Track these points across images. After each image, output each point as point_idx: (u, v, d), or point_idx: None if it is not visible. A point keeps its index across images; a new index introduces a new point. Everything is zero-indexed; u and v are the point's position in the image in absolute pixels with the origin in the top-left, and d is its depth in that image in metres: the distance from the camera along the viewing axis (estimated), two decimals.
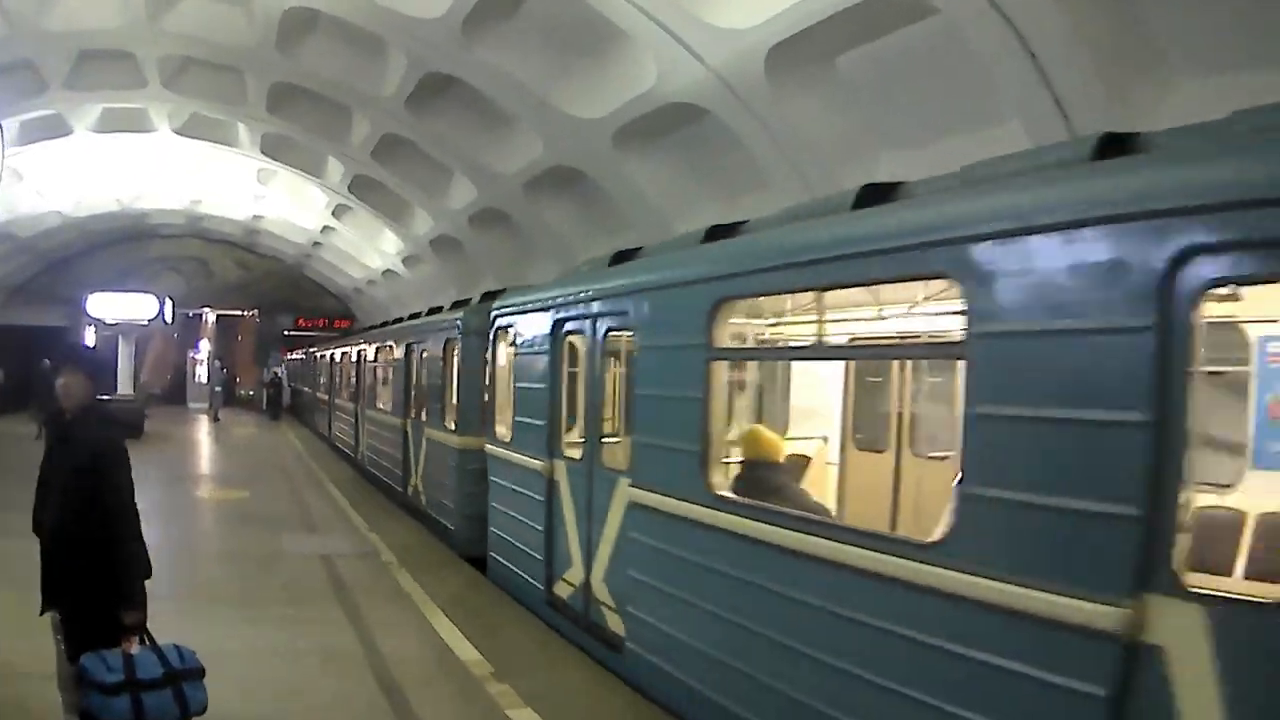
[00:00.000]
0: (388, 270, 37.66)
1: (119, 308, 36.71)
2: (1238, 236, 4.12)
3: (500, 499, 13.37)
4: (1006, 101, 9.89)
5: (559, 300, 11.31)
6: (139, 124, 26.96)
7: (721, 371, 8.06)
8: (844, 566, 6.16)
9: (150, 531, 6.74)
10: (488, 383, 15.09)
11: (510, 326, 13.15)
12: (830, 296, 8.29)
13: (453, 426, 16.67)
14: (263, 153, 28.11)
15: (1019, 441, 4.97)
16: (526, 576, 12.15)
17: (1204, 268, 4.22)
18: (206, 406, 48.58)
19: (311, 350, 44.71)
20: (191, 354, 55.90)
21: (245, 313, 55.78)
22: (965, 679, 5.14)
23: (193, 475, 25.83)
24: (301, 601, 12.66)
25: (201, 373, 55.30)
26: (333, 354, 35.35)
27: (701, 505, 7.76)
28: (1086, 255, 4.64)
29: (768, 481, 8.10)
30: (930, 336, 8.94)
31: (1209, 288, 4.24)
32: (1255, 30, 7.62)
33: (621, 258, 11.24)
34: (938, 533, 5.57)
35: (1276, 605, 4.23)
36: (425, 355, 19.38)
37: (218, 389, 47.45)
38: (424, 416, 19.08)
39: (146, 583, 6.74)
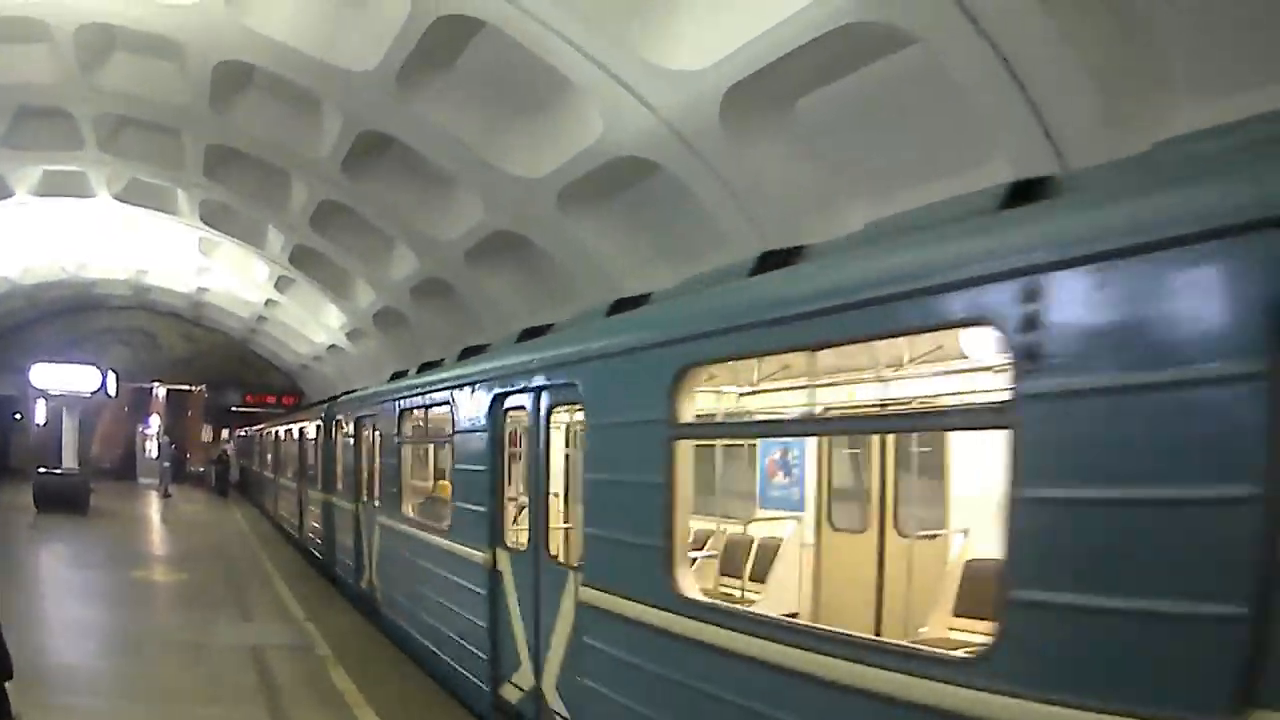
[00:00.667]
0: (332, 345, 36.30)
1: (62, 379, 35.13)
2: None
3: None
4: (992, 138, 8.74)
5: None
6: (79, 188, 25.79)
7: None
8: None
9: (74, 615, 5.96)
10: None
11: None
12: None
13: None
14: (203, 221, 26.75)
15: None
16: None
17: None
18: (156, 482, 46.69)
19: (257, 427, 43.47)
20: (141, 429, 54.25)
21: (193, 388, 54.33)
22: None
23: (131, 554, 24.01)
24: (222, 700, 11.25)
25: (151, 448, 53.84)
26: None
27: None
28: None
29: None
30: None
31: None
32: (1260, 47, 6.70)
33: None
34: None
35: None
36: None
37: (167, 465, 45.50)
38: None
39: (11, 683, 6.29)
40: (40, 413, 43.41)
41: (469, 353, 11.47)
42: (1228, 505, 3.40)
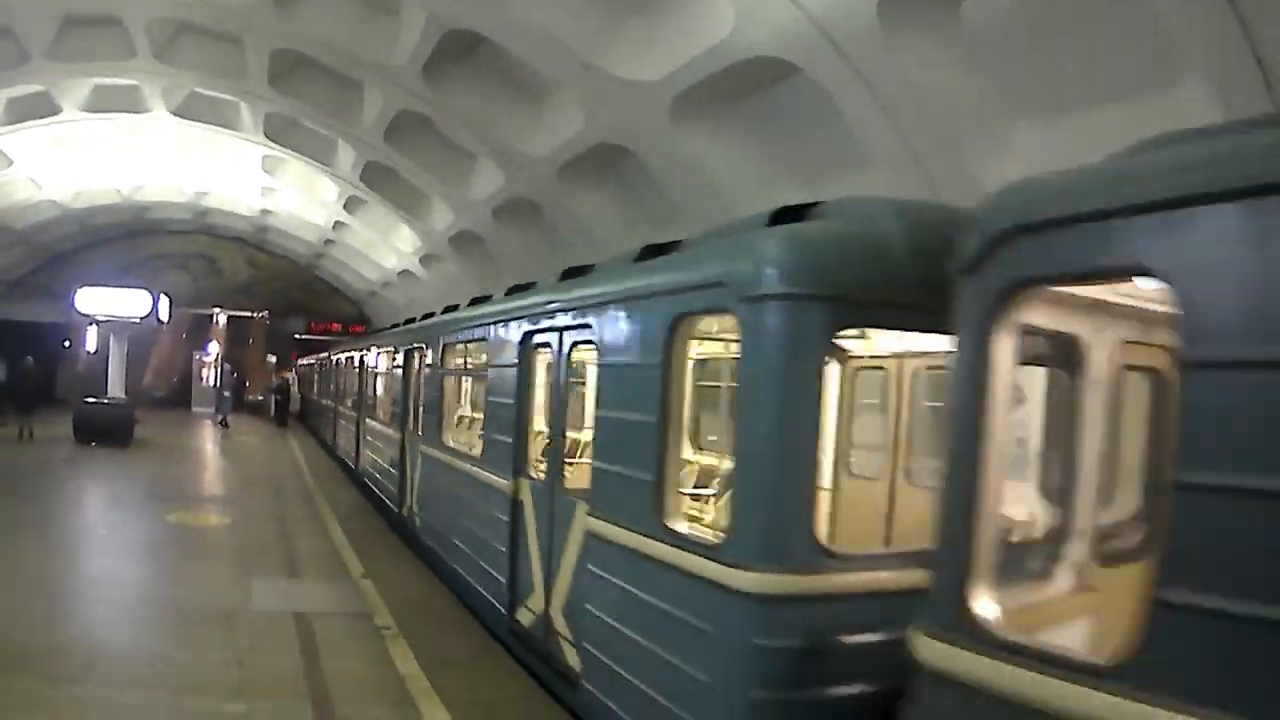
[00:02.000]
0: (404, 270, 35.59)
1: (109, 303, 33.45)
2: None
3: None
4: (1185, 57, 7.62)
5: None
6: (132, 103, 25.02)
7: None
8: None
9: (90, 572, 4.51)
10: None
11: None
12: None
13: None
14: (268, 137, 25.86)
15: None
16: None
17: None
18: (212, 411, 46.22)
19: (319, 356, 42.59)
20: (198, 356, 53.43)
21: (256, 314, 53.57)
22: None
23: (171, 493, 21.51)
24: (253, 692, 9.08)
25: (208, 375, 52.82)
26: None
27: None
28: None
29: None
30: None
31: None
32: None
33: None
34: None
35: None
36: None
37: (226, 393, 44.64)
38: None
39: None
40: (91, 340, 42.52)
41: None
42: None
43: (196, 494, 22.29)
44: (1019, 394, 5.19)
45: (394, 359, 20.07)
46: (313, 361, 45.95)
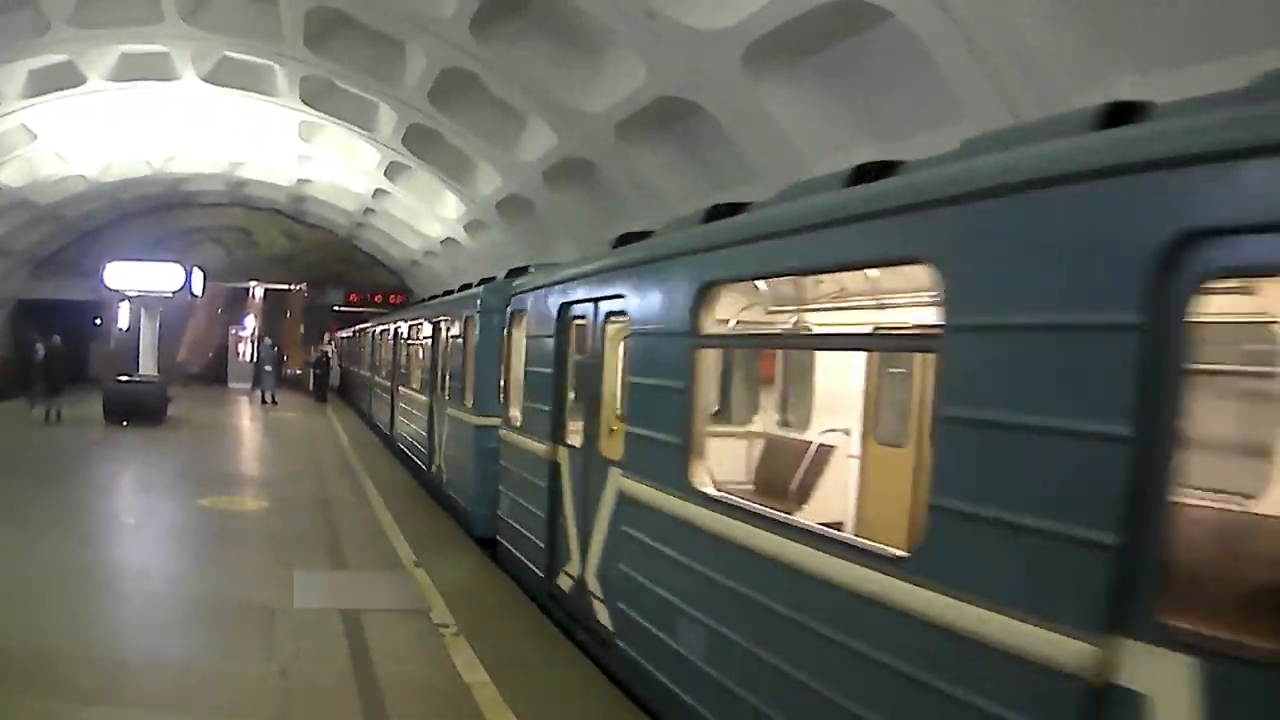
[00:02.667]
0: (447, 239, 34.93)
1: (140, 278, 32.61)
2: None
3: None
4: None
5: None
6: (162, 70, 24.39)
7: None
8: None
9: (113, 563, 3.93)
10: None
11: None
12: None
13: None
14: (304, 101, 25.12)
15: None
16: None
17: None
18: (249, 387, 46.18)
19: (360, 327, 42.36)
20: (235, 330, 53.49)
21: (293, 287, 53.40)
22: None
23: (205, 474, 20.83)
24: (301, 708, 8.28)
25: (245, 350, 53.22)
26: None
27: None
28: None
29: None
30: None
31: None
32: None
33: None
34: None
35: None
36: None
37: (268, 369, 43.53)
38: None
39: None
40: (123, 317, 41.81)
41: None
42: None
43: (232, 475, 21.64)
44: None
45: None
46: (351, 334, 45.70)
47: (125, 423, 28.82)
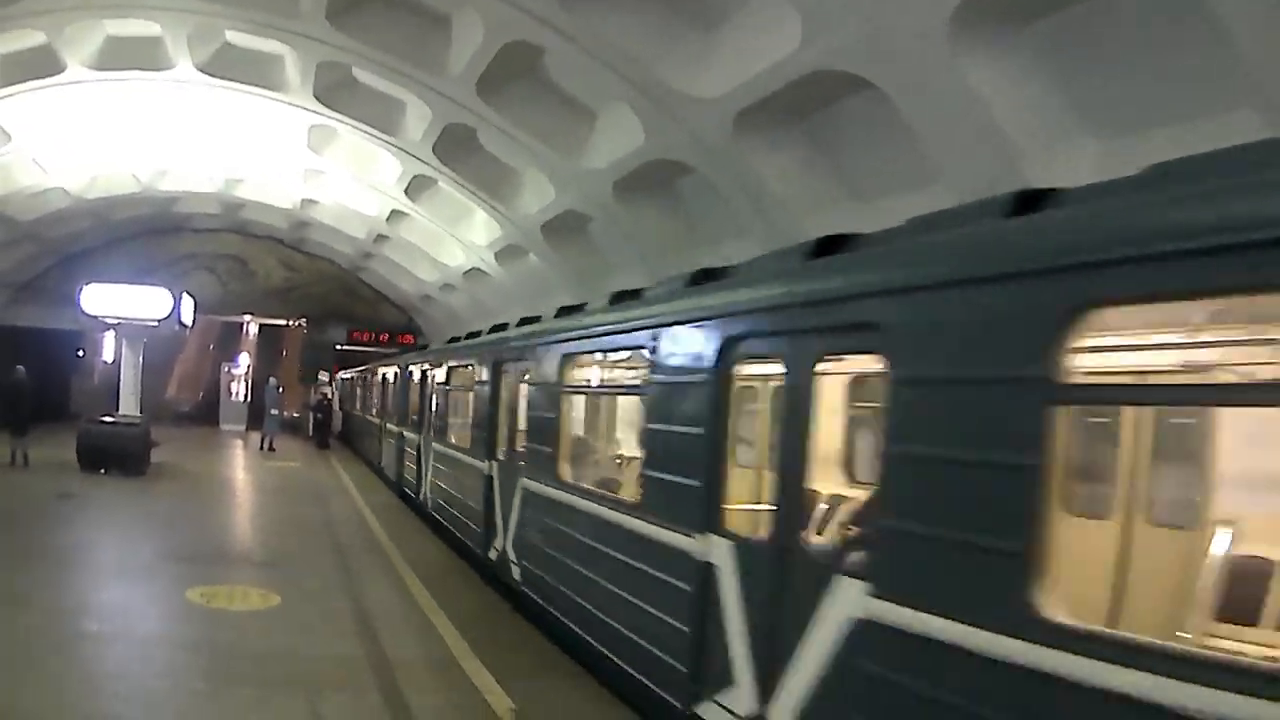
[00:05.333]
0: (471, 269, 31.50)
1: (121, 303, 29.08)
2: None
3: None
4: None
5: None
6: (152, 59, 21.10)
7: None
8: None
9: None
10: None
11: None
12: None
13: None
14: (319, 99, 21.53)
15: None
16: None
17: None
18: (243, 429, 44.10)
19: (372, 367, 38.71)
20: (228, 367, 50.68)
21: (291, 323, 50.39)
22: None
23: (194, 549, 16.45)
24: None
25: (236, 389, 50.28)
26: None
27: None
28: None
29: None
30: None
31: None
32: None
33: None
34: None
35: None
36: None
37: (273, 412, 39.60)
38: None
39: None
40: (109, 348, 38.70)
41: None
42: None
43: (229, 550, 17.11)
44: None
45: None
46: (359, 374, 42.41)
47: (103, 470, 24.86)
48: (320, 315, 49.56)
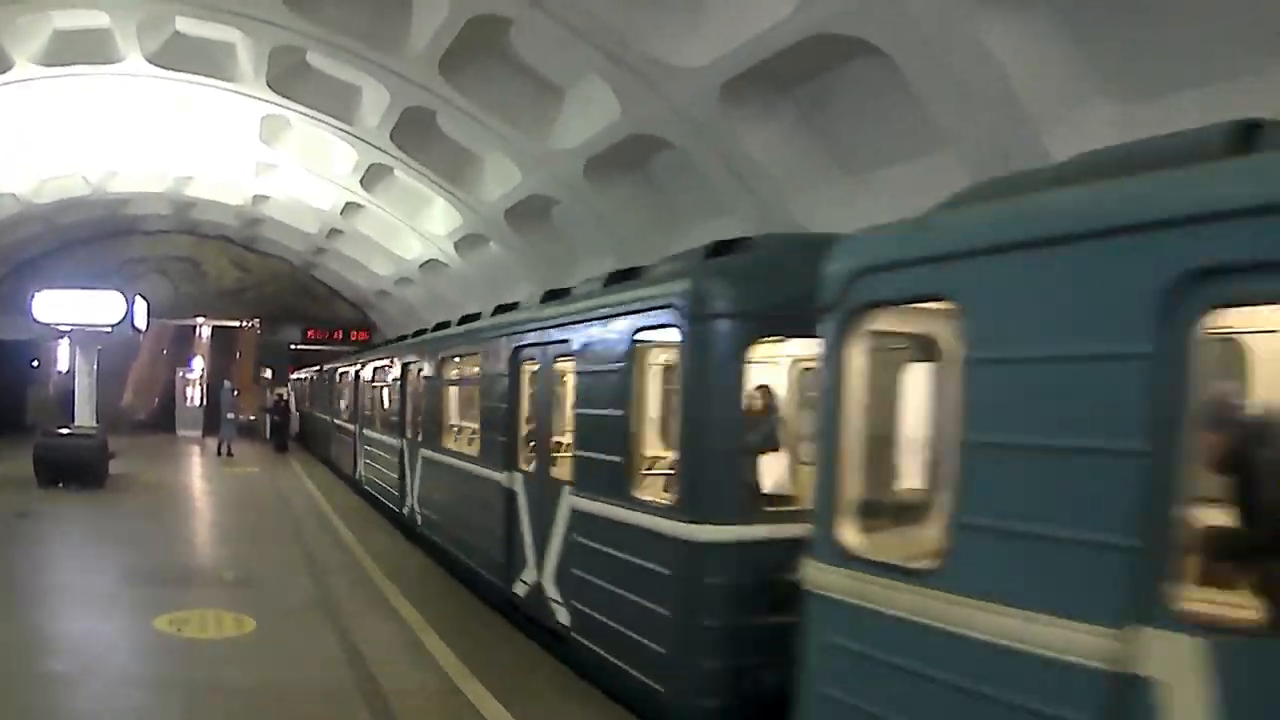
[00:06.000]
0: (429, 261, 30.93)
1: (74, 309, 28.11)
2: None
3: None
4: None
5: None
6: (101, 51, 20.49)
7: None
8: None
9: None
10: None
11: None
12: None
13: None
14: (270, 86, 20.87)
15: None
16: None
17: None
18: (199, 435, 42.88)
19: (334, 366, 36.68)
20: (183, 372, 49.49)
21: (245, 324, 49.55)
22: None
23: (161, 567, 15.32)
24: None
25: (192, 394, 48.97)
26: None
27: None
28: None
29: None
30: None
31: None
32: None
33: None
34: None
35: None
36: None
37: (230, 416, 38.62)
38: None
39: None
40: (64, 358, 37.88)
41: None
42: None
43: (196, 568, 15.83)
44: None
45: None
46: (318, 374, 41.23)
47: (61, 484, 23.87)
48: (274, 315, 48.87)
